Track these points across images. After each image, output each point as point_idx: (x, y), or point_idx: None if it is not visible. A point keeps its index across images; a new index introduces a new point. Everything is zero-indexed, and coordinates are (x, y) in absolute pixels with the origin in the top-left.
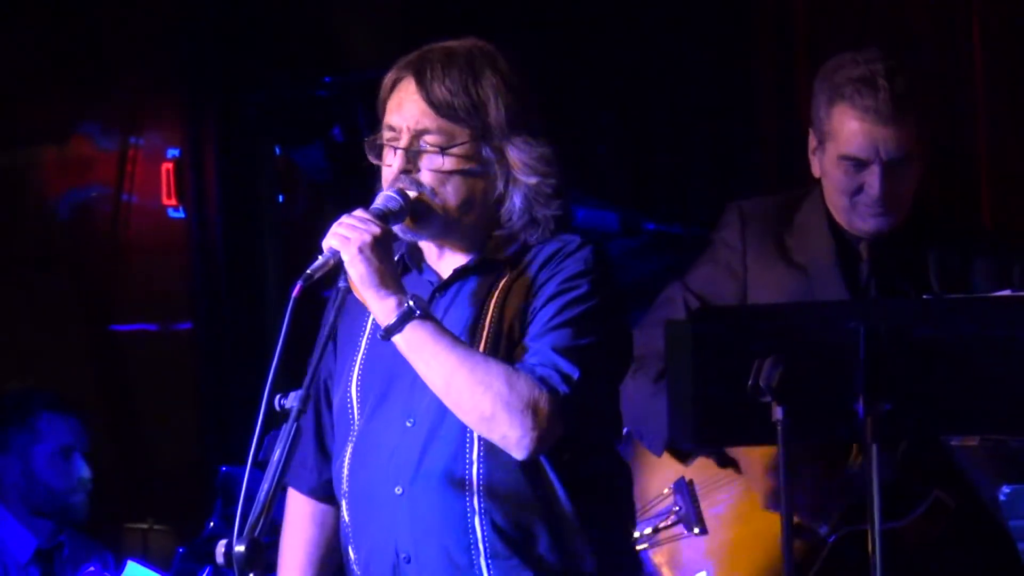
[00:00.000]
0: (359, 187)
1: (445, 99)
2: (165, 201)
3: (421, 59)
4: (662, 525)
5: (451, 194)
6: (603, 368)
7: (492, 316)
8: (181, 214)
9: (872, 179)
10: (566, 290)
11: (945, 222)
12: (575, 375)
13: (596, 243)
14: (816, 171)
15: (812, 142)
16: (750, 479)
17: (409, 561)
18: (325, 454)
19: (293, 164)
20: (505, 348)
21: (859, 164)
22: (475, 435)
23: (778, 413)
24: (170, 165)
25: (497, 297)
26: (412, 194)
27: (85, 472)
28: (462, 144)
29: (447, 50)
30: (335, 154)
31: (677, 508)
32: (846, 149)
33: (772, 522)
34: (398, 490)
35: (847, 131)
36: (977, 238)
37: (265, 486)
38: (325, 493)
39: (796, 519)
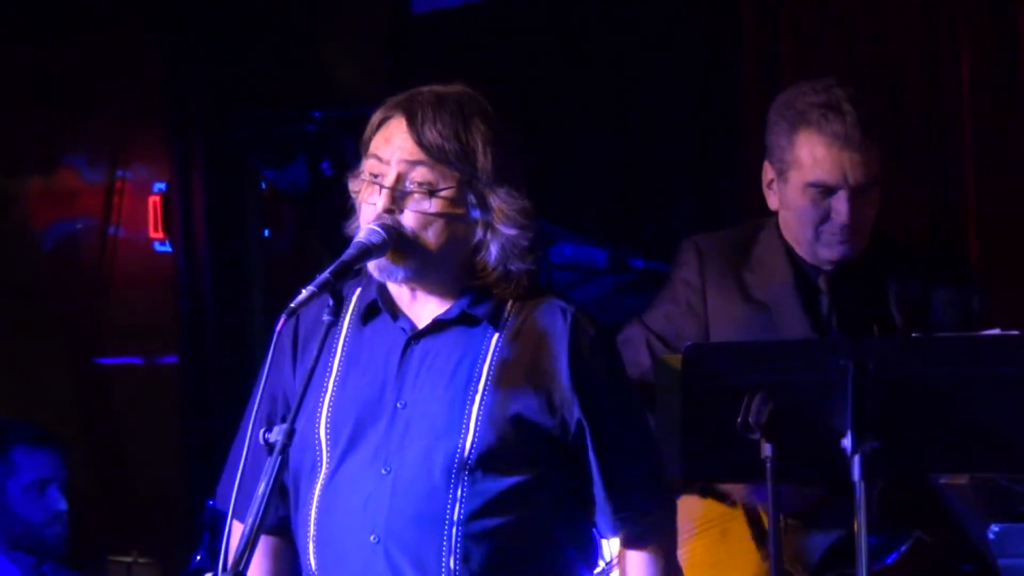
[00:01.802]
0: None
1: (436, 142)
2: (152, 234)
3: (411, 101)
4: None
5: (432, 238)
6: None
7: (490, 376)
8: (167, 248)
9: (840, 205)
10: (615, 395)
11: (904, 251)
12: (663, 504)
13: (577, 307)
14: (773, 204)
15: (768, 175)
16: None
17: None
18: (280, 489)
19: (280, 198)
20: (503, 410)
21: (826, 191)
22: (459, 492)
23: (767, 450)
24: (157, 198)
25: (493, 357)
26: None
27: (61, 505)
28: (449, 188)
29: (437, 94)
30: (320, 184)
31: None
32: (813, 176)
33: (747, 569)
34: (373, 538)
35: (814, 157)
36: (936, 267)
37: (249, 520)
38: (277, 526)
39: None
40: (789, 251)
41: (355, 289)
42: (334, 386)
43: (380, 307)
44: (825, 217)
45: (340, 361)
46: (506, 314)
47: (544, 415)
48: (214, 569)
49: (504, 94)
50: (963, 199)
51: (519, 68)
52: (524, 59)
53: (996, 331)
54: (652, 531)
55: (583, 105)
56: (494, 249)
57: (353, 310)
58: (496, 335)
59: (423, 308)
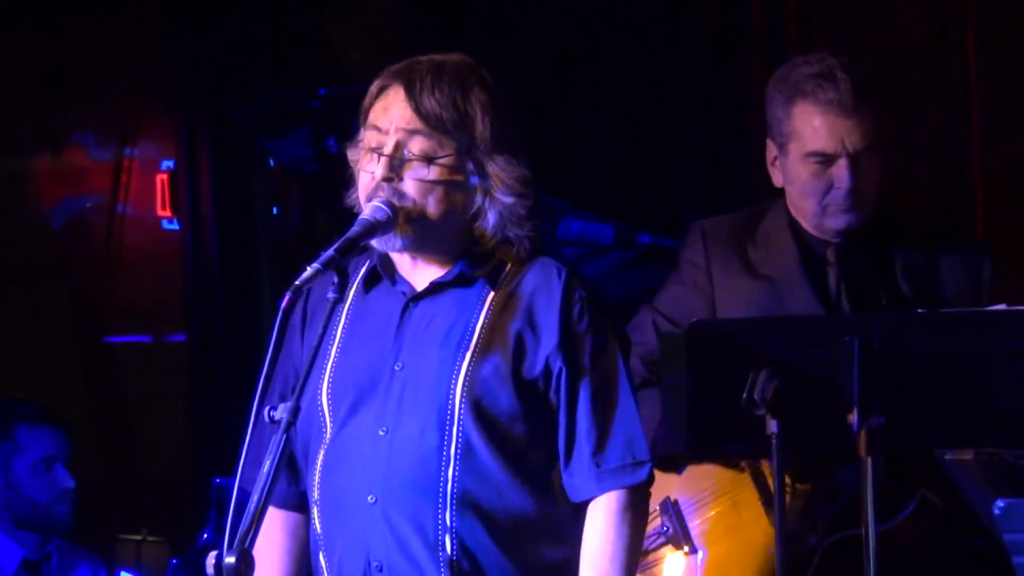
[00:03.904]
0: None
1: (434, 111)
2: (159, 212)
3: (410, 70)
4: (652, 547)
5: (432, 205)
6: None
7: (482, 334)
8: (175, 226)
9: (841, 173)
10: (598, 351)
11: (909, 222)
12: (645, 454)
13: (571, 268)
14: (778, 181)
15: (771, 152)
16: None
17: (381, 570)
18: (292, 463)
19: (287, 176)
20: (493, 366)
21: (826, 160)
22: (452, 450)
23: (772, 426)
24: (164, 176)
25: (486, 316)
26: (398, 203)
27: (68, 483)
28: (447, 156)
29: (436, 63)
30: (327, 161)
31: (665, 529)
32: (812, 145)
33: (759, 535)
34: (371, 499)
35: (811, 127)
36: (942, 238)
37: (255, 497)
38: (294, 502)
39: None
40: (795, 227)
41: (362, 264)
42: (336, 355)
43: (380, 273)
44: (829, 187)
45: (343, 331)
46: (504, 276)
47: (532, 371)
48: (220, 546)
49: (512, 70)
50: (971, 184)
51: (527, 44)
52: (532, 36)
53: (1002, 306)
54: (624, 482)
55: (591, 82)
56: (492, 216)
57: (358, 280)
58: (491, 294)
59: (423, 273)
